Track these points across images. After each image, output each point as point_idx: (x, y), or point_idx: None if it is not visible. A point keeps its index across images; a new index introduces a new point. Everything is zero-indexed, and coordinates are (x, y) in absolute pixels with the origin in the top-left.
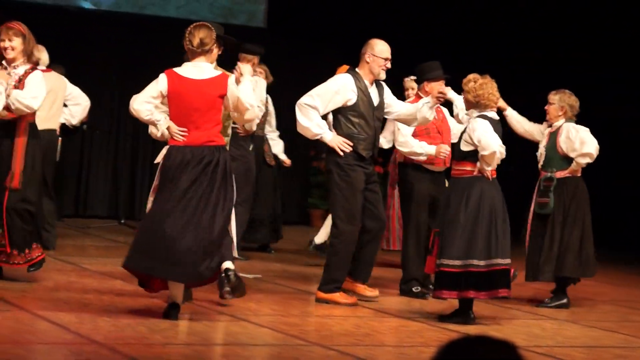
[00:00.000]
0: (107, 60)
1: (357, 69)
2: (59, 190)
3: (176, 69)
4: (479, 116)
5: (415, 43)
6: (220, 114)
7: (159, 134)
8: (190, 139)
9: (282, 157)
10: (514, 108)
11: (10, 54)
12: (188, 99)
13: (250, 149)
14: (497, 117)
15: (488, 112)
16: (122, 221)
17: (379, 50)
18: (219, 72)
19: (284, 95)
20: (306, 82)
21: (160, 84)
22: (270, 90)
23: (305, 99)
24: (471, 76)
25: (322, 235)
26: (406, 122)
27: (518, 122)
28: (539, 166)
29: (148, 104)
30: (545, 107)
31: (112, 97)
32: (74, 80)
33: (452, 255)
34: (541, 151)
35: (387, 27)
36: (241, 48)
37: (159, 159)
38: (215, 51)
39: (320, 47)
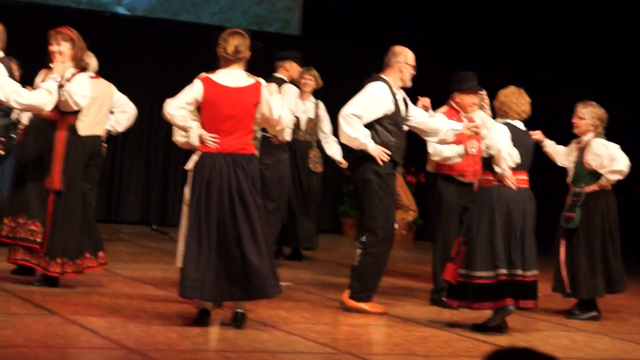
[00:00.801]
0: (141, 66)
1: (385, 76)
2: None
3: (211, 76)
4: (501, 122)
5: (449, 49)
6: (253, 123)
7: (191, 141)
8: (222, 146)
9: (338, 158)
10: (541, 117)
11: (58, 59)
12: (223, 107)
13: (284, 157)
14: (521, 127)
15: (512, 120)
16: (154, 227)
17: (411, 57)
18: (253, 80)
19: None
20: (341, 88)
21: (195, 90)
22: (319, 95)
23: (350, 109)
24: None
25: None
26: (422, 133)
27: (557, 153)
28: (569, 181)
29: (182, 109)
30: (574, 121)
31: (145, 103)
32: None
33: (476, 266)
34: (570, 166)
35: (420, 33)
36: (276, 56)
37: (189, 165)
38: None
39: (354, 53)
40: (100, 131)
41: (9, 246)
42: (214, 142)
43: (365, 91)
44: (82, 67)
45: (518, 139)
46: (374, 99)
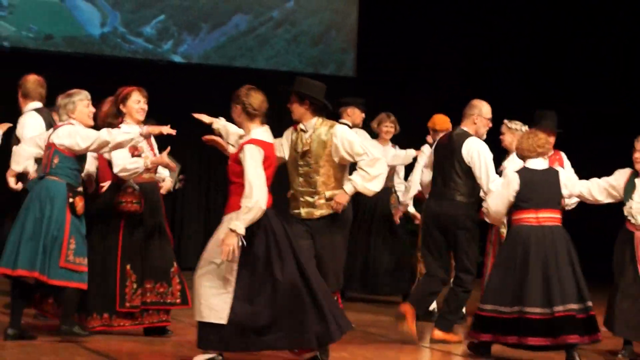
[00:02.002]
0: (198, 112)
1: (464, 128)
2: None
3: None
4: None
5: (501, 89)
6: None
7: None
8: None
9: (411, 210)
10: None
11: (142, 116)
12: (275, 162)
13: None
14: (538, 167)
15: (528, 162)
16: None
17: (486, 111)
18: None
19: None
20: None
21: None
22: (393, 140)
23: (494, 183)
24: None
25: None
26: None
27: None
28: (631, 220)
29: None
30: (636, 156)
31: (202, 149)
32: None
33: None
34: (633, 205)
35: (478, 76)
36: (340, 102)
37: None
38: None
39: (410, 94)
40: None
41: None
42: None
43: (483, 156)
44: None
45: (536, 179)
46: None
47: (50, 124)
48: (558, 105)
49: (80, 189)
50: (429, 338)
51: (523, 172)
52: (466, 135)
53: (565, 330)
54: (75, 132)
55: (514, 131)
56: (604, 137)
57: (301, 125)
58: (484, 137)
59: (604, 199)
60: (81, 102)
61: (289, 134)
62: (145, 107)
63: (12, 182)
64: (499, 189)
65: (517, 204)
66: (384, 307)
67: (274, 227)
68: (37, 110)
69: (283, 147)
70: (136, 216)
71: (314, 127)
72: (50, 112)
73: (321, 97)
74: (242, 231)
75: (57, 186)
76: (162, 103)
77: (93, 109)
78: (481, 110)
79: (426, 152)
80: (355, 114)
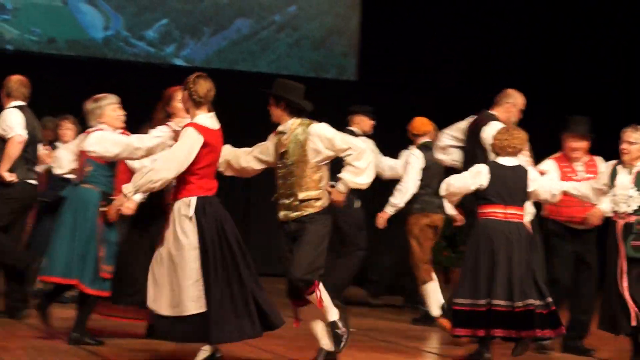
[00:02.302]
0: None
1: (492, 112)
2: None
3: (197, 121)
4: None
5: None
6: None
7: None
8: (215, 189)
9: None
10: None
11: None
12: (216, 149)
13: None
14: (508, 163)
15: (499, 158)
16: None
17: (521, 102)
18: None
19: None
20: (397, 132)
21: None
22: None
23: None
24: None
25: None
26: None
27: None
28: (624, 210)
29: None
30: (623, 147)
31: None
32: None
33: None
34: (630, 194)
35: (479, 79)
36: (349, 109)
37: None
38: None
39: (411, 98)
40: None
41: None
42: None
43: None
44: None
45: (506, 175)
46: None
47: (30, 123)
48: (561, 108)
49: (113, 196)
50: (431, 342)
51: (493, 167)
52: (491, 118)
53: (526, 324)
54: (105, 138)
55: None
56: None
57: (280, 127)
58: (512, 125)
59: (593, 197)
60: (109, 106)
61: (272, 137)
62: (122, 112)
63: (7, 175)
64: (465, 174)
65: (486, 198)
66: (386, 312)
67: (220, 216)
68: (19, 107)
69: (269, 151)
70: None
71: (291, 128)
72: (32, 112)
73: (297, 99)
74: (129, 194)
75: (90, 194)
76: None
77: (122, 112)
78: (516, 100)
79: (418, 156)
80: (363, 122)
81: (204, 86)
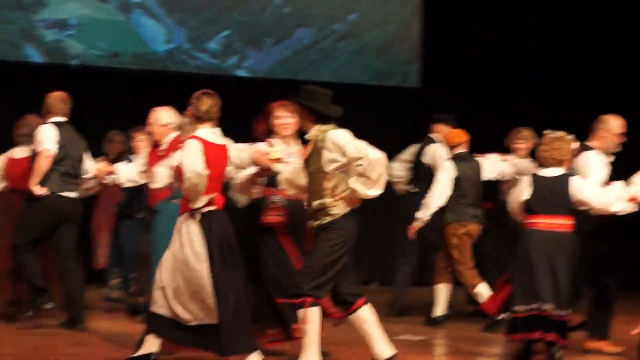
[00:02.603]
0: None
1: (590, 144)
2: None
3: (199, 134)
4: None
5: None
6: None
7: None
8: (220, 202)
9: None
10: None
11: (287, 132)
12: (217, 163)
13: None
14: (550, 174)
15: (542, 170)
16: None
17: (614, 126)
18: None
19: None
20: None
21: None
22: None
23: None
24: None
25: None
26: None
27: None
28: None
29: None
30: None
31: None
32: None
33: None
34: None
35: (544, 85)
36: (432, 118)
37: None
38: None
39: (475, 104)
40: None
41: None
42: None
43: (589, 167)
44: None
45: (545, 186)
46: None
47: (66, 139)
48: None
49: None
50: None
51: (535, 179)
52: (585, 148)
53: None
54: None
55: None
56: None
57: (307, 135)
58: (612, 152)
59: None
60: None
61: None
62: (289, 121)
63: (36, 189)
64: (517, 187)
65: (530, 209)
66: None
67: (213, 228)
68: (56, 123)
69: None
70: (281, 228)
71: (313, 135)
72: (72, 127)
73: (321, 105)
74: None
75: (178, 209)
76: (227, 117)
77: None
78: (608, 125)
79: (448, 169)
80: (444, 131)
81: (206, 103)
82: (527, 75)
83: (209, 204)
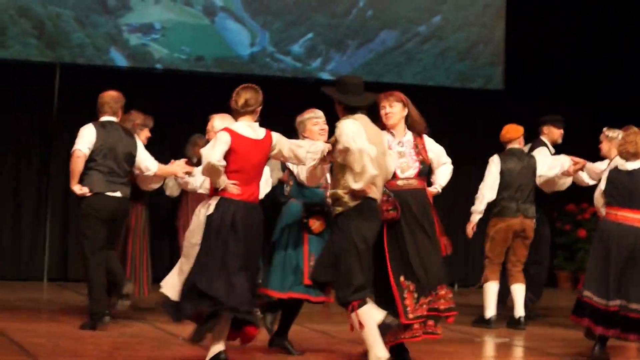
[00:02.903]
0: None
1: None
2: None
3: (233, 127)
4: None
5: None
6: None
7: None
8: (245, 194)
9: None
10: None
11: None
12: (247, 156)
13: None
14: (628, 167)
15: (620, 162)
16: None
17: None
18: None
19: None
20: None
21: (225, 141)
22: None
23: None
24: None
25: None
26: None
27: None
28: None
29: (221, 160)
30: None
31: None
32: None
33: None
34: None
35: (627, 87)
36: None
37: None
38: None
39: (558, 106)
40: None
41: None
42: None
43: None
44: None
45: (617, 178)
46: None
47: (109, 138)
48: None
49: (318, 207)
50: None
51: (612, 171)
52: None
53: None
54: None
55: (611, 139)
56: None
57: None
58: None
59: None
60: (309, 120)
61: None
62: (390, 110)
63: (76, 189)
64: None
65: (606, 200)
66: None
67: (230, 215)
68: (102, 122)
69: None
70: (395, 224)
71: (337, 126)
72: (121, 126)
73: (346, 96)
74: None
75: (295, 208)
76: None
77: (324, 127)
78: None
79: (495, 162)
80: (552, 132)
81: (244, 97)
82: (611, 77)
83: (224, 192)
